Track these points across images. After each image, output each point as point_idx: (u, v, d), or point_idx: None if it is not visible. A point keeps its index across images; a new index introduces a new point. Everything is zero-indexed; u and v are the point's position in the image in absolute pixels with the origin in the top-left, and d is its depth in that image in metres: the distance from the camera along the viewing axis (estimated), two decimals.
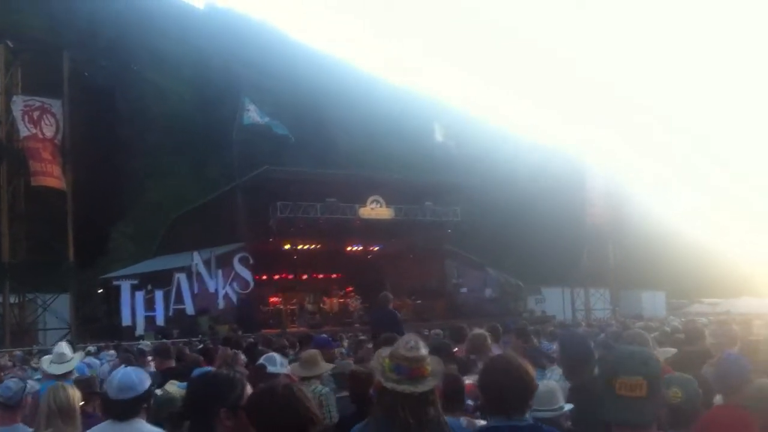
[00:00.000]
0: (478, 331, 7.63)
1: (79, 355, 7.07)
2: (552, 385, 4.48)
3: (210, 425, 2.88)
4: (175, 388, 4.65)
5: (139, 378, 4.03)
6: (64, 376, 6.07)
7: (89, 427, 4.54)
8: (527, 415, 3.37)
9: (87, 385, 5.88)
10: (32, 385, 5.72)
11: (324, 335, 11.09)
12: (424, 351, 3.92)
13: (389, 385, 3.54)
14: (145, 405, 4.10)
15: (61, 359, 6.54)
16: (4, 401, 4.99)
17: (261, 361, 6.43)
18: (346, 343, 12.95)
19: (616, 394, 2.42)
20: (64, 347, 6.82)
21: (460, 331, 8.83)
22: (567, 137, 40.74)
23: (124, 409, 3.88)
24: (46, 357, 7.01)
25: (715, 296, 39.67)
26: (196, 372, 5.90)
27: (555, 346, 7.23)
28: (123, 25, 54.25)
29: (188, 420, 3.09)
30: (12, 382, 5.24)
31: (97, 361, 10.20)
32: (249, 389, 2.99)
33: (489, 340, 7.15)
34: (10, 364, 10.33)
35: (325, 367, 6.49)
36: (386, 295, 11.47)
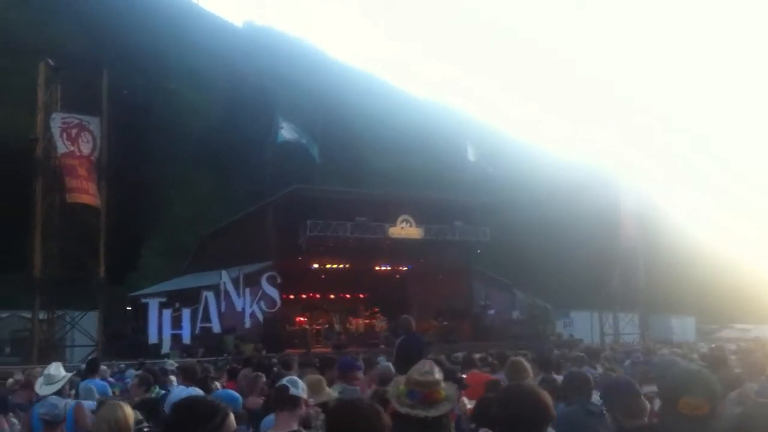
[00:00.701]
0: (516, 358, 7.56)
1: (68, 375, 7.22)
2: None
3: None
4: None
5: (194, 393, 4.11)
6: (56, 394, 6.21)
7: None
8: None
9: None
10: (68, 402, 5.86)
11: (348, 357, 10.97)
12: (438, 376, 3.98)
13: (404, 410, 3.62)
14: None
15: (49, 380, 6.73)
16: (50, 419, 5.14)
17: (284, 382, 6.35)
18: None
19: (680, 412, 2.51)
20: (52, 368, 7.01)
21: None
22: (600, 157, 40.45)
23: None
24: (39, 378, 7.19)
25: (745, 321, 39.03)
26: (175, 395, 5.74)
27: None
28: (161, 42, 55.23)
29: None
30: (57, 399, 5.40)
31: (104, 384, 10.38)
32: (232, 419, 2.87)
33: (529, 369, 7.07)
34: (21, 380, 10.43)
35: (329, 395, 6.24)
36: (407, 318, 11.26)
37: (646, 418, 4.50)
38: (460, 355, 14.06)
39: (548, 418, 3.42)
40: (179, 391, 6.79)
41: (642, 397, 4.66)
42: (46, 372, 7.11)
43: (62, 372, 7.06)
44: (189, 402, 3.03)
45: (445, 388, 3.86)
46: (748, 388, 5.49)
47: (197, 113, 56.46)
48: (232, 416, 2.87)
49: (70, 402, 6.28)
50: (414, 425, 3.40)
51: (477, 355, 13.65)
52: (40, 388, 6.81)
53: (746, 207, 60.01)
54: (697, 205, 59.85)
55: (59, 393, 6.63)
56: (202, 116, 56.66)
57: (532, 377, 6.89)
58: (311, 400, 5.79)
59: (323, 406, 5.87)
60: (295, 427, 4.47)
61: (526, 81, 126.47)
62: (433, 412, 3.41)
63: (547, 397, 3.48)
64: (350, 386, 7.46)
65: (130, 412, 4.64)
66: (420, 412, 3.43)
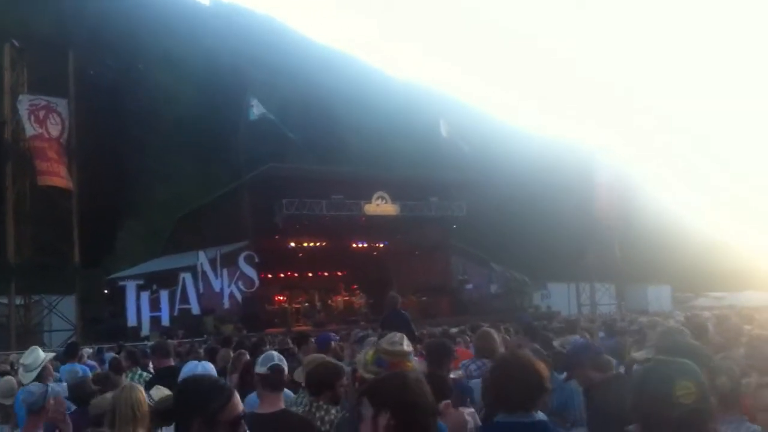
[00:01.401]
0: (486, 329, 7.57)
1: (47, 357, 7.12)
2: None
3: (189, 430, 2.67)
4: (162, 392, 4.61)
5: (205, 369, 4.05)
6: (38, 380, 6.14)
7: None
8: (533, 413, 3.34)
9: (80, 388, 5.95)
10: (53, 387, 5.77)
11: (330, 333, 10.98)
12: (407, 348, 3.97)
13: (368, 376, 3.59)
14: None
15: (27, 369, 6.68)
16: (27, 406, 5.05)
17: (276, 361, 6.22)
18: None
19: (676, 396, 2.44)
20: (29, 358, 6.93)
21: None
22: (574, 132, 40.66)
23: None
24: (20, 367, 7.13)
25: (720, 290, 39.56)
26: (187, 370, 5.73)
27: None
28: (129, 23, 54.31)
29: (171, 422, 2.87)
30: (35, 386, 5.30)
31: (85, 367, 10.29)
32: (237, 399, 2.76)
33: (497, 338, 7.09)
34: (8, 368, 10.32)
35: None
36: (394, 296, 11.22)
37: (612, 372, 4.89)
38: (437, 330, 14.12)
39: (543, 388, 3.42)
40: (192, 366, 6.79)
41: (604, 354, 5.05)
42: (22, 361, 7.03)
43: (39, 357, 6.96)
44: (194, 381, 2.96)
45: (413, 362, 3.85)
46: (734, 353, 5.54)
47: (171, 94, 55.74)
48: (237, 397, 2.77)
49: (57, 387, 6.18)
50: None
51: (454, 329, 13.73)
52: (22, 376, 6.75)
53: (721, 180, 60.72)
54: (672, 178, 60.42)
55: (41, 379, 6.53)
56: (176, 97, 55.94)
57: (500, 347, 6.87)
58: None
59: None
60: (282, 406, 4.43)
61: (500, 60, 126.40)
62: None
63: (543, 367, 3.48)
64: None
65: (143, 393, 4.56)
66: None
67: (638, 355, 4.69)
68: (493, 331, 7.21)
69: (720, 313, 14.92)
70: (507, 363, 3.55)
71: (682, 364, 2.56)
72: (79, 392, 5.89)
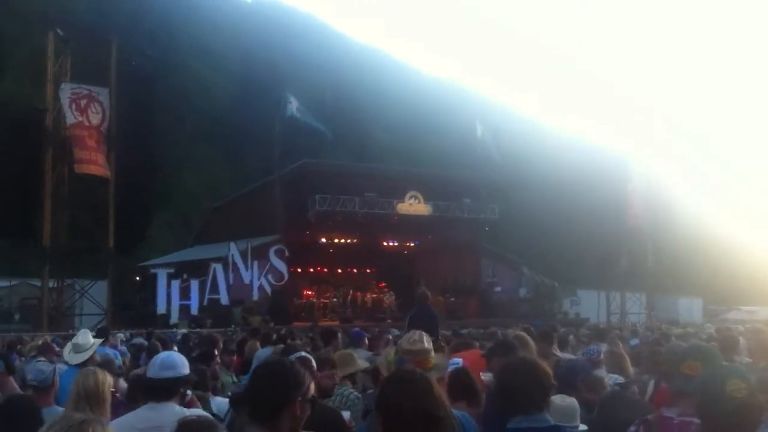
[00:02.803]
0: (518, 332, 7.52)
1: (97, 342, 7.16)
2: (573, 402, 4.48)
3: (276, 413, 2.82)
4: None
5: (181, 361, 4.13)
6: (84, 365, 6.18)
7: (115, 412, 4.66)
8: (547, 415, 3.34)
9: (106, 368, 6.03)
10: (61, 367, 5.86)
11: (357, 329, 11.04)
12: (427, 345, 3.99)
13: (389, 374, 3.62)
14: (183, 390, 4.17)
15: (78, 349, 6.70)
16: (36, 384, 5.15)
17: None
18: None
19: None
20: (80, 337, 6.95)
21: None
22: (609, 137, 40.25)
23: (163, 388, 3.97)
24: (68, 345, 7.15)
25: (753, 303, 38.91)
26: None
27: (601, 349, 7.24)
28: (169, 15, 54.93)
29: (252, 405, 2.95)
30: (43, 365, 5.38)
31: (116, 351, 10.41)
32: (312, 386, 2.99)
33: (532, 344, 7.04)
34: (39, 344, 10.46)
35: (359, 366, 6.16)
36: (424, 291, 11.12)
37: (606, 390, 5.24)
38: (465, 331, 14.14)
39: (548, 391, 3.42)
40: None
41: (595, 373, 5.47)
42: (74, 341, 6.98)
43: (90, 340, 6.99)
44: (286, 364, 3.07)
45: (435, 358, 3.87)
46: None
47: (207, 87, 56.23)
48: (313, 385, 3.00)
49: (64, 367, 6.27)
50: None
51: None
52: (69, 356, 6.77)
53: (757, 189, 59.71)
54: (707, 187, 59.57)
55: (89, 362, 6.58)
56: (211, 91, 56.42)
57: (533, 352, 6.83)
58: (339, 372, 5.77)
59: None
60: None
61: (537, 62, 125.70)
62: None
63: (547, 370, 3.47)
64: (377, 354, 7.44)
65: (104, 378, 4.61)
66: None
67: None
68: (527, 336, 7.17)
69: (753, 327, 14.71)
70: (516, 365, 3.55)
71: (731, 367, 3.14)
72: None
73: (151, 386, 4.03)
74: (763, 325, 16.15)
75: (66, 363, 6.67)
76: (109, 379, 4.72)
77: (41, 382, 5.14)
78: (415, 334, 4.07)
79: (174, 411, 3.88)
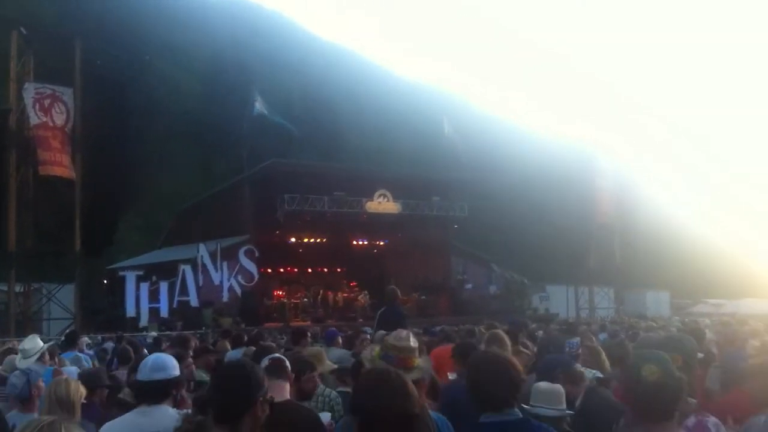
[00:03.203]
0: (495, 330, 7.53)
1: (44, 346, 7.19)
2: (558, 387, 4.55)
3: (240, 414, 2.93)
4: None
5: (172, 363, 4.13)
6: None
7: (89, 418, 4.65)
8: (516, 410, 3.38)
9: (94, 378, 6.00)
10: (37, 370, 5.82)
11: (333, 329, 11.07)
12: (413, 344, 4.02)
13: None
14: (174, 392, 4.16)
15: (25, 354, 6.76)
16: (15, 396, 5.17)
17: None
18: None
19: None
20: (27, 342, 7.02)
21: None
22: (576, 135, 40.68)
23: (155, 391, 3.96)
24: (11, 356, 7.20)
25: (719, 297, 39.57)
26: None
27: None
28: (135, 14, 54.27)
29: (216, 407, 3.03)
30: (15, 378, 5.36)
31: (85, 356, 10.33)
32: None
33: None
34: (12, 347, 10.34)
35: (329, 367, 6.23)
36: (394, 289, 11.03)
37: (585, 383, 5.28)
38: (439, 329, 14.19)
39: (522, 382, 3.45)
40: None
41: (576, 366, 5.50)
42: (21, 346, 7.10)
43: (38, 344, 7.02)
44: (246, 366, 3.17)
45: (419, 358, 3.90)
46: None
47: (175, 87, 55.76)
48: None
49: (39, 368, 6.23)
50: None
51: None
52: (19, 362, 6.80)
53: (721, 185, 60.71)
54: (673, 183, 60.42)
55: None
56: (180, 90, 55.96)
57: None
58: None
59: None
60: (288, 397, 4.45)
61: (503, 60, 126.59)
62: (405, 376, 3.41)
63: (518, 366, 3.51)
64: (356, 353, 7.41)
65: (76, 386, 4.67)
66: None
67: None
68: (503, 334, 7.21)
69: (720, 320, 14.98)
70: (486, 361, 3.58)
71: (648, 353, 3.28)
72: (92, 381, 5.93)
73: (143, 389, 4.04)
74: (729, 318, 16.49)
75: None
76: (81, 387, 4.75)
77: (18, 395, 5.19)
78: (403, 332, 4.11)
79: (168, 414, 3.91)
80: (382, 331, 7.76)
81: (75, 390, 4.63)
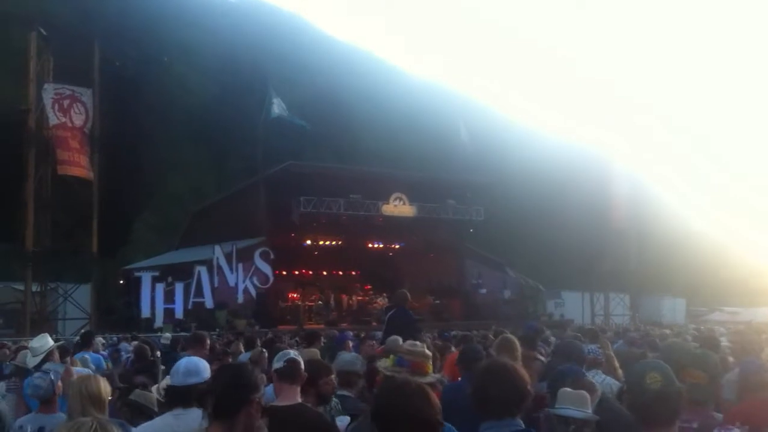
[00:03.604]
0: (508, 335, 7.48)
1: (53, 344, 7.21)
2: (584, 393, 4.53)
3: (236, 411, 3.14)
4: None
5: (204, 365, 4.18)
6: (38, 367, 6.21)
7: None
8: (519, 420, 3.32)
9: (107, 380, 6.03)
10: (57, 370, 5.85)
11: (347, 333, 11.04)
12: (427, 351, 4.04)
13: (389, 373, 3.67)
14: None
15: (34, 352, 6.78)
16: (38, 398, 5.21)
17: (291, 355, 6.25)
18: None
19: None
20: (36, 341, 7.02)
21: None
22: (593, 140, 40.44)
23: (190, 395, 4.00)
24: (24, 351, 7.22)
25: (735, 305, 39.21)
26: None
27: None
28: (153, 15, 54.54)
29: (214, 401, 3.23)
30: (39, 379, 5.39)
31: (99, 356, 10.39)
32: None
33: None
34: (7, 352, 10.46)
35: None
36: (403, 293, 10.92)
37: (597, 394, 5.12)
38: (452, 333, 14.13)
39: (528, 394, 3.42)
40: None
41: (586, 377, 5.34)
42: (30, 344, 7.13)
43: (48, 342, 7.03)
44: (242, 368, 3.45)
45: (432, 367, 3.93)
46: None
47: (190, 88, 55.90)
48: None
49: (58, 367, 6.25)
50: None
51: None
52: (29, 360, 6.82)
53: (738, 192, 60.25)
54: (690, 190, 60.03)
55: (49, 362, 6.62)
56: (195, 91, 56.10)
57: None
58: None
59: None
60: (299, 400, 4.45)
61: (521, 64, 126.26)
62: (419, 380, 3.40)
63: (525, 376, 3.46)
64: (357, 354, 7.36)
65: (105, 384, 4.69)
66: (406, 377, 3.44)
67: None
68: (514, 339, 7.14)
69: (736, 328, 14.83)
70: (491, 370, 3.55)
71: (651, 362, 3.48)
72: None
73: (178, 393, 4.12)
74: (745, 326, 16.33)
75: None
76: (108, 385, 4.78)
77: (42, 397, 5.22)
78: (417, 342, 4.19)
79: (200, 417, 3.94)
80: (393, 336, 7.72)
81: (105, 387, 4.66)
